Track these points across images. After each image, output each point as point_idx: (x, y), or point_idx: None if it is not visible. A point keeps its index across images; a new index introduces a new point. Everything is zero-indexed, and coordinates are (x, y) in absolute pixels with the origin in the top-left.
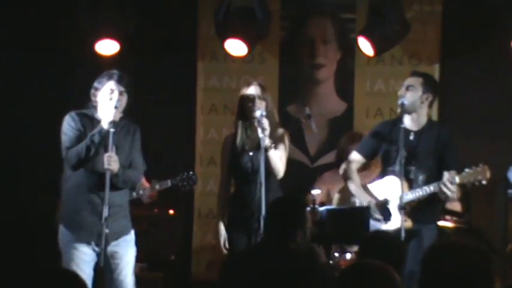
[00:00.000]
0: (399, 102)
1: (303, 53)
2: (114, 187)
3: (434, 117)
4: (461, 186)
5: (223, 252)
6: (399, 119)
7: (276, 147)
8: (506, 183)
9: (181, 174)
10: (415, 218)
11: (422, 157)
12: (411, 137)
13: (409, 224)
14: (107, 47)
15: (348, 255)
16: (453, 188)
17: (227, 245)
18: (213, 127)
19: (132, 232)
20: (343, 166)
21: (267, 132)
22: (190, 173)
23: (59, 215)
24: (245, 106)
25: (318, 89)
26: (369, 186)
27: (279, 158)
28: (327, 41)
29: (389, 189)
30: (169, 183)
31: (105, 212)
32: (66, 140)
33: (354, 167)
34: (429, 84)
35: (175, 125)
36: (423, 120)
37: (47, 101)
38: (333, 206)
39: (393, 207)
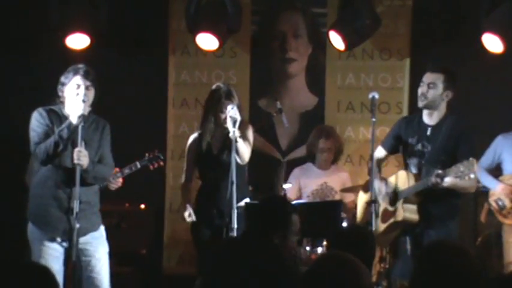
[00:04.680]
0: (370, 96)
1: (274, 48)
2: (82, 183)
3: (405, 112)
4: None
5: (186, 220)
6: (418, 114)
7: (244, 139)
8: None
9: (146, 154)
10: (426, 214)
11: (434, 151)
12: (428, 132)
13: (414, 217)
14: (77, 41)
15: (319, 249)
16: (448, 181)
17: (193, 217)
18: (184, 121)
19: (102, 229)
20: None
21: (238, 123)
22: (156, 151)
23: (27, 211)
24: (214, 106)
25: (289, 83)
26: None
27: (245, 147)
28: (298, 35)
29: (398, 182)
30: (138, 165)
31: (76, 207)
32: (34, 136)
33: (377, 161)
34: (450, 81)
35: (147, 120)
36: (441, 115)
37: (17, 96)
38: (305, 200)
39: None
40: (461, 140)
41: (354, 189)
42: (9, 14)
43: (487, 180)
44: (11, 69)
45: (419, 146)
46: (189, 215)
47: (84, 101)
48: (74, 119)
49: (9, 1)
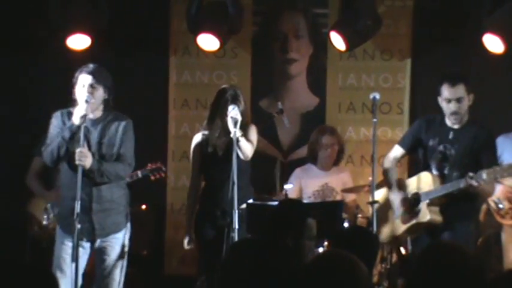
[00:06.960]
0: (371, 96)
1: (275, 48)
2: (96, 182)
3: (406, 112)
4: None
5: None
6: (439, 115)
7: (246, 139)
8: None
9: (149, 164)
10: (448, 215)
11: (458, 154)
12: (450, 135)
13: (439, 218)
14: (78, 41)
15: (321, 250)
16: (481, 183)
17: (192, 245)
18: (185, 122)
19: (126, 228)
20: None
21: (239, 123)
22: (158, 163)
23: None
24: (221, 109)
25: (291, 83)
26: (407, 180)
27: (247, 144)
28: (299, 35)
29: (421, 184)
30: (139, 174)
31: (77, 208)
32: (47, 138)
33: (394, 160)
34: (469, 85)
35: (148, 120)
36: (465, 118)
37: (18, 96)
38: (306, 201)
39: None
40: (486, 146)
41: (355, 190)
42: (10, 15)
43: None
44: (12, 70)
45: (441, 148)
46: (188, 242)
47: (87, 101)
48: (76, 119)
49: (10, 2)
